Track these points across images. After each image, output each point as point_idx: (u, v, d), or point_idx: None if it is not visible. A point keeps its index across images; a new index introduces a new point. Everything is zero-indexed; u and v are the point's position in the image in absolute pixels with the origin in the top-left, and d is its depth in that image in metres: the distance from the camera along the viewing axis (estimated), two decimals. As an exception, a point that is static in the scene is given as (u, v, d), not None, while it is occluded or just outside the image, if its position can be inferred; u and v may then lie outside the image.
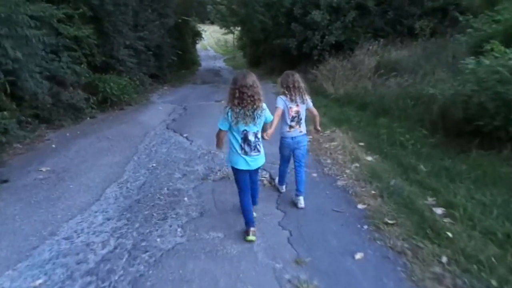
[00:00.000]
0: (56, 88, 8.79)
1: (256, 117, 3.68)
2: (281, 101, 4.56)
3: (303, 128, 4.72)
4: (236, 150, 3.79)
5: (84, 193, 5.26)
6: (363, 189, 5.23)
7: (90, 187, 5.44)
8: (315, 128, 5.15)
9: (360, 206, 4.79)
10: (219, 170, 6.06)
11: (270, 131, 4.14)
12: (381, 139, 7.43)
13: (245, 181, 3.98)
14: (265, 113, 3.83)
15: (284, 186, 5.30)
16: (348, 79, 12.99)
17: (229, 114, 3.67)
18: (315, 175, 5.87)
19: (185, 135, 8.21)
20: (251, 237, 3.92)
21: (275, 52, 22.52)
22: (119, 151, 7.12)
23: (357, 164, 6.17)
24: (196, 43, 40.15)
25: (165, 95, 14.56)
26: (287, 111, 4.55)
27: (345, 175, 5.81)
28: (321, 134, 8.11)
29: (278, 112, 4.49)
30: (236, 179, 4.04)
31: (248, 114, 3.63)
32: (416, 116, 8.42)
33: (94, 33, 10.39)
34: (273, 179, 5.70)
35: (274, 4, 20.16)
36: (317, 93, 13.59)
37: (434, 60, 11.29)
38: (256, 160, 3.87)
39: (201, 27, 43.07)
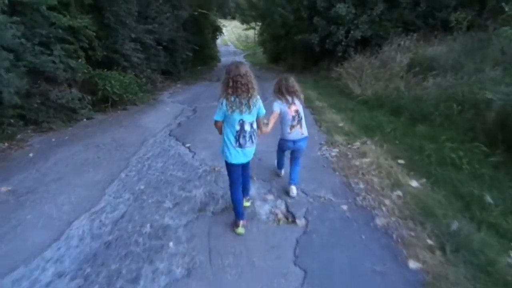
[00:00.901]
0: (44, 86, 7.53)
1: (252, 106, 3.61)
2: (277, 105, 4.43)
3: (304, 129, 4.60)
4: (231, 143, 3.69)
5: (42, 228, 3.94)
6: (412, 234, 3.77)
7: (52, 219, 4.12)
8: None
9: (412, 264, 3.33)
10: (222, 197, 4.67)
11: (266, 129, 4.06)
12: (426, 155, 5.91)
13: (237, 175, 3.87)
14: (259, 104, 3.74)
15: (282, 170, 5.29)
16: (376, 78, 11.42)
17: (224, 103, 3.60)
18: (345, 207, 4.41)
19: (188, 144, 6.84)
20: (240, 230, 3.85)
21: (296, 48, 21.02)
22: (106, 165, 5.80)
23: (400, 193, 4.69)
24: (216, 38, 38.90)
25: (176, 94, 13.24)
26: (286, 113, 4.41)
27: (384, 208, 4.34)
28: (349, 146, 6.67)
29: (274, 115, 4.37)
30: (228, 172, 3.89)
31: (243, 102, 3.57)
32: (465, 124, 6.86)
33: (94, 23, 9.11)
34: (290, 213, 4.30)
35: (296, -3, 18.67)
36: (341, 94, 12.11)
37: (477, 56, 9.66)
38: (249, 151, 3.77)
39: (222, 22, 41.99)
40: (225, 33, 57.94)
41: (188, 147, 6.70)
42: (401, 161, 5.77)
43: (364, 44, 16.13)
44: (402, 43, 12.43)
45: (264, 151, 5.86)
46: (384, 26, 15.91)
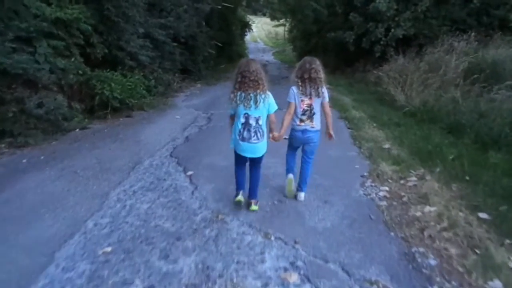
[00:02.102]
0: (20, 91, 6.07)
1: (259, 101, 3.61)
2: (292, 94, 4.02)
3: (316, 123, 4.11)
4: (236, 135, 3.76)
5: None
6: None
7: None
8: (327, 131, 4.29)
9: None
10: (221, 276, 3.02)
11: (277, 134, 3.95)
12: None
13: (242, 161, 3.97)
14: (269, 100, 3.73)
15: (302, 194, 4.37)
16: (425, 85, 9.52)
17: (231, 97, 3.69)
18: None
19: (190, 172, 5.21)
20: (239, 198, 4.00)
21: (328, 47, 19.17)
22: (73, 204, 4.23)
23: (498, 283, 2.94)
24: (245, 35, 37.37)
25: (193, 96, 11.66)
26: (298, 104, 4.02)
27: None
28: (402, 181, 4.92)
29: (290, 110, 4.05)
30: (235, 158, 3.99)
31: (249, 97, 3.60)
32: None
33: (93, 16, 7.60)
34: None
35: (331, -10, 16.82)
36: (382, 102, 10.26)
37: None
38: (255, 147, 3.78)
39: (251, 18, 40.48)
40: (254, 30, 56.42)
41: (190, 177, 5.08)
42: (483, 215, 3.97)
43: (406, 44, 14.18)
44: (456, 44, 10.41)
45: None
46: (429, 24, 13.94)
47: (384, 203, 4.34)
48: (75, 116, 7.11)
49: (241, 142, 3.74)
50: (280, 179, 4.88)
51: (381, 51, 14.30)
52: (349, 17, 15.19)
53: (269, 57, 34.65)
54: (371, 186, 4.83)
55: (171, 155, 5.96)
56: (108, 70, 8.13)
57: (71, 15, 6.83)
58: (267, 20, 50.03)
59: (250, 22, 35.36)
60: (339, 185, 4.82)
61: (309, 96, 3.98)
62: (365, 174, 5.22)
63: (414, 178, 4.99)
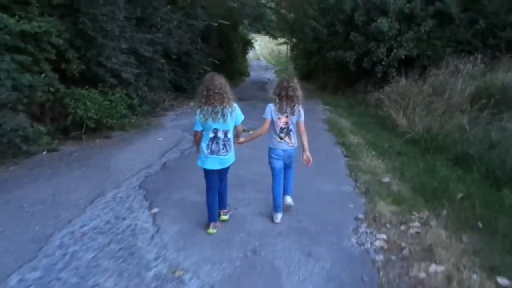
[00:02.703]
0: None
1: (226, 115, 3.65)
2: (268, 111, 4.02)
3: (294, 141, 4.10)
4: (203, 150, 3.75)
5: None
6: None
7: None
8: (304, 154, 4.11)
9: None
10: None
11: (242, 138, 4.05)
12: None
13: (213, 180, 3.89)
14: (236, 112, 3.77)
15: (279, 215, 4.15)
16: (429, 110, 8.78)
17: (198, 113, 3.72)
18: None
19: (155, 210, 4.43)
20: (211, 230, 3.85)
21: (329, 66, 18.52)
22: (0, 252, 3.48)
23: None
24: (247, 53, 36.94)
25: (183, 116, 10.90)
26: (275, 121, 3.99)
27: None
28: (403, 227, 4.14)
29: (265, 125, 4.02)
30: (205, 177, 3.91)
31: (216, 111, 3.62)
32: None
33: (68, 30, 6.95)
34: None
35: (331, 9, 16.20)
36: (382, 126, 9.52)
37: None
38: (224, 160, 3.80)
39: (254, 36, 40.17)
40: (257, 48, 56.22)
41: (154, 215, 4.30)
42: (503, 281, 3.16)
43: (409, 65, 13.53)
44: (461, 66, 9.70)
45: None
46: (433, 45, 13.33)
47: (380, 257, 3.53)
48: (41, 138, 6.37)
49: (209, 156, 3.73)
50: (260, 221, 4.13)
51: (383, 71, 13.65)
52: (350, 37, 14.57)
53: (271, 75, 34.08)
54: (366, 232, 4.03)
55: (140, 186, 5.20)
56: (86, 87, 7.43)
57: (40, 28, 6.15)
58: (271, 39, 49.86)
59: (252, 40, 34.96)
60: (328, 231, 4.03)
61: (285, 114, 3.97)
62: (360, 216, 4.42)
63: (417, 224, 4.19)
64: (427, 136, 7.69)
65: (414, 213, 4.45)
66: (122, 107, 8.04)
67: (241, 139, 4.03)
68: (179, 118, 10.50)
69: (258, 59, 52.21)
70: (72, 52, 7.02)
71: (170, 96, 12.06)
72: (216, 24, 15.85)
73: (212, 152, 3.72)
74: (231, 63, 25.86)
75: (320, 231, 4.01)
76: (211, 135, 3.70)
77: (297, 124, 4.05)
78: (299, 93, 3.95)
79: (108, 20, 7.63)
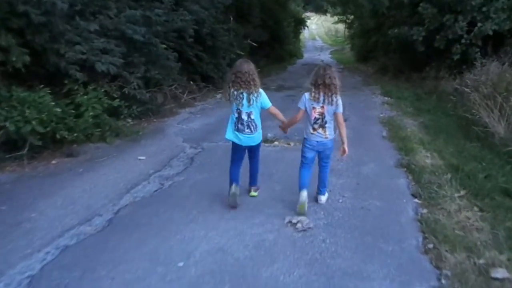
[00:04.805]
0: None
1: (252, 100, 3.72)
2: (303, 100, 3.80)
3: (329, 133, 3.80)
4: (231, 126, 3.88)
5: None
6: None
7: None
8: (341, 146, 3.86)
9: None
10: None
11: (286, 123, 4.06)
12: None
13: (238, 156, 4.00)
14: (262, 98, 3.81)
15: (305, 192, 3.77)
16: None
17: (224, 95, 4.01)
18: None
19: None
20: (234, 191, 3.86)
21: (390, 46, 15.18)
22: None
23: None
24: (300, 32, 33.71)
25: (199, 115, 8.41)
26: (310, 111, 3.76)
27: None
28: None
29: (298, 115, 3.88)
30: (231, 150, 4.03)
31: (242, 96, 3.70)
32: None
33: None
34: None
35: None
36: (466, 132, 6.58)
37: None
38: (249, 138, 3.86)
39: (309, 15, 36.92)
40: (314, 27, 52.35)
41: None
42: None
43: (498, 43, 10.15)
44: None
45: None
46: (533, 15, 9.79)
47: None
48: None
49: (236, 132, 3.85)
50: None
51: (462, 52, 10.34)
52: (418, 9, 11.28)
53: (325, 56, 30.70)
54: None
55: (42, 269, 2.87)
56: (42, 86, 5.18)
57: None
58: (328, 17, 45.97)
59: (306, 18, 31.75)
60: None
61: (321, 104, 3.69)
62: None
63: None
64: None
65: None
66: (90, 115, 5.63)
67: (284, 122, 4.03)
68: (192, 118, 8.01)
69: (314, 39, 48.55)
70: (8, 38, 4.76)
71: (190, 88, 9.67)
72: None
73: (238, 130, 3.83)
74: (280, 45, 23.05)
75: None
76: (236, 115, 3.81)
77: (335, 115, 3.76)
78: (337, 81, 3.68)
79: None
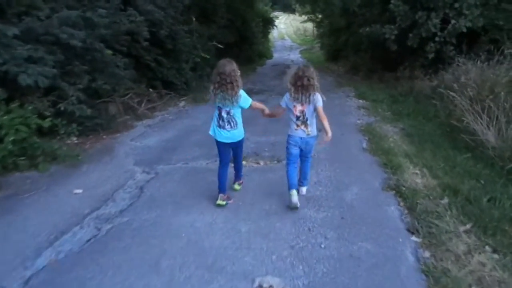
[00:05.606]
0: None
1: (234, 101, 3.76)
2: (284, 99, 3.98)
3: (311, 129, 3.93)
4: (214, 123, 3.94)
5: None
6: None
7: None
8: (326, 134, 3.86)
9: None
10: None
11: (268, 113, 4.15)
12: None
13: (224, 153, 4.05)
14: (242, 98, 3.83)
15: (294, 191, 3.92)
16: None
17: (211, 96, 3.85)
18: None
19: None
20: (220, 202, 3.98)
21: (361, 45, 14.54)
22: None
23: None
24: (268, 32, 32.84)
25: (157, 128, 7.34)
26: (291, 109, 3.93)
27: None
28: None
29: (278, 111, 4.11)
30: (217, 150, 4.08)
31: (226, 97, 3.74)
32: None
33: None
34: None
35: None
36: (453, 140, 5.86)
37: None
38: (229, 133, 3.92)
39: (277, 15, 36.13)
40: (282, 27, 51.60)
41: None
42: None
43: (472, 41, 9.64)
44: None
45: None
46: (506, 12, 9.26)
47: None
48: None
49: (218, 129, 3.92)
50: None
51: (436, 51, 9.76)
52: (390, 6, 10.61)
53: (295, 55, 29.93)
54: None
55: None
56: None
57: None
58: (296, 16, 45.33)
59: (274, 18, 30.93)
60: None
61: (301, 103, 3.83)
62: None
63: None
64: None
65: None
66: (14, 137, 4.48)
67: (266, 111, 4.12)
68: (149, 132, 6.94)
69: (283, 38, 47.84)
70: None
71: (150, 96, 8.65)
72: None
73: (220, 126, 3.90)
74: (249, 45, 22.11)
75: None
76: (217, 112, 3.88)
77: (316, 110, 3.84)
78: (315, 82, 3.78)
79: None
